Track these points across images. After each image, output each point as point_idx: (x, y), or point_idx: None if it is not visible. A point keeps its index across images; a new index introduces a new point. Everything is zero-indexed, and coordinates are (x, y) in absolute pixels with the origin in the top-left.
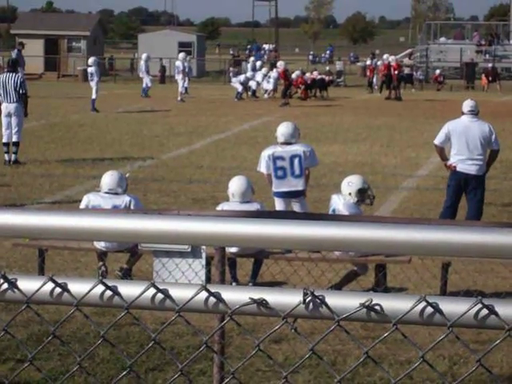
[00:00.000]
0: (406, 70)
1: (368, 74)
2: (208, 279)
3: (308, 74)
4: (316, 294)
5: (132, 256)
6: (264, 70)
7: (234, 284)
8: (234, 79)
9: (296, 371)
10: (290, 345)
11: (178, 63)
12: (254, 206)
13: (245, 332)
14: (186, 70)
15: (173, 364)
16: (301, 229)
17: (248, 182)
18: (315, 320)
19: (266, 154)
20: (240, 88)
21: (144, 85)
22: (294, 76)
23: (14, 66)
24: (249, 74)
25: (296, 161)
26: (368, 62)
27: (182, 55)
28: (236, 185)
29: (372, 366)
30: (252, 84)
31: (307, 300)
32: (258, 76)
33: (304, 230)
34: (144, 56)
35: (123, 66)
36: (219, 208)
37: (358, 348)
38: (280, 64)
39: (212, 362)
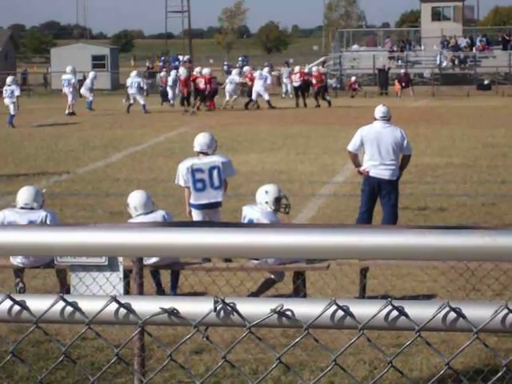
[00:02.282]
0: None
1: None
2: (126, 292)
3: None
4: (227, 301)
5: (58, 276)
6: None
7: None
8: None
9: (217, 382)
10: (211, 355)
11: (69, 76)
12: (159, 214)
13: (157, 343)
14: (89, 84)
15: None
16: (219, 236)
17: (147, 193)
18: (236, 329)
19: (183, 166)
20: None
21: (89, 99)
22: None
23: None
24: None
25: (215, 172)
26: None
27: (69, 68)
28: (136, 197)
29: (293, 373)
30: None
31: (218, 308)
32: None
33: (222, 237)
34: (92, 74)
35: (37, 80)
36: None
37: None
38: (182, 71)
39: (133, 376)
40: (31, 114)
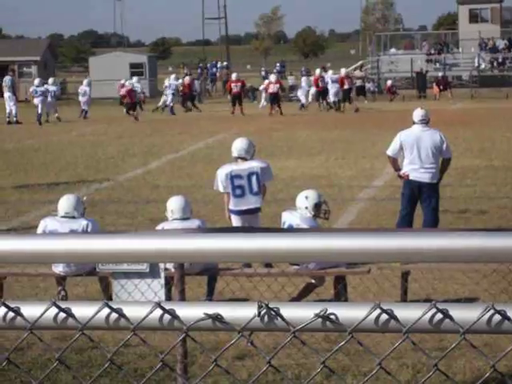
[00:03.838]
0: (358, 82)
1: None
2: (168, 298)
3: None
4: (271, 306)
5: (101, 285)
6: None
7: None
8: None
9: None
10: (253, 361)
11: (84, 88)
12: (194, 223)
13: (202, 348)
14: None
15: None
16: (260, 242)
17: (186, 199)
18: (277, 334)
19: (222, 172)
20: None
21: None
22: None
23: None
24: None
25: (254, 178)
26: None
27: (86, 81)
28: (175, 202)
29: (336, 378)
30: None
31: (262, 313)
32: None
33: (263, 243)
34: (135, 79)
35: (76, 89)
36: (159, 227)
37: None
38: (187, 78)
39: (176, 382)
40: (71, 123)
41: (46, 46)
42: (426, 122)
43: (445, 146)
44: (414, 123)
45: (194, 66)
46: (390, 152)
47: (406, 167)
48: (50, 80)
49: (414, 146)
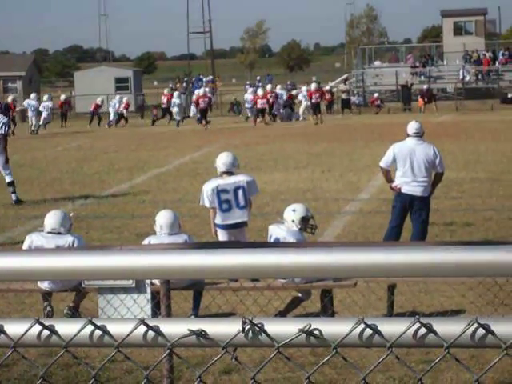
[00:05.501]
0: (343, 96)
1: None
2: (155, 313)
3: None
4: (255, 321)
5: (77, 295)
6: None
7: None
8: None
9: None
10: (240, 375)
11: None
12: (182, 238)
13: (185, 364)
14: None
15: None
16: (246, 258)
17: (175, 214)
18: (264, 349)
19: (208, 187)
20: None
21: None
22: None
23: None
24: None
25: (240, 192)
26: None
27: (32, 95)
28: (164, 217)
29: None
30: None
31: (246, 328)
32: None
33: (250, 258)
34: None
35: None
36: (146, 241)
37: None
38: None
39: None
40: (56, 138)
41: (31, 61)
42: (420, 135)
43: (438, 160)
44: (407, 136)
45: (179, 80)
46: (383, 164)
47: (398, 180)
48: (32, 95)
49: (407, 159)
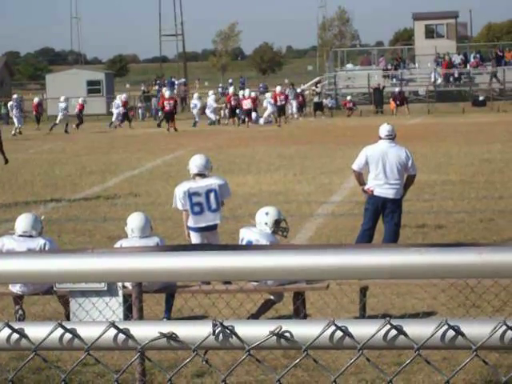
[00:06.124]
0: (316, 98)
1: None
2: (127, 316)
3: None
4: (226, 324)
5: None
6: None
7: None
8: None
9: None
10: (212, 378)
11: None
12: (153, 240)
13: (157, 367)
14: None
15: None
16: (219, 260)
17: (147, 217)
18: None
19: (180, 190)
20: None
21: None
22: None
23: None
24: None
25: (212, 195)
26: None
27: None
28: (135, 220)
29: None
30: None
31: (217, 331)
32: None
33: (222, 261)
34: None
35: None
36: (117, 245)
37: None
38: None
39: None
40: (27, 141)
41: (1, 64)
42: (392, 137)
43: (410, 162)
44: (380, 138)
45: (150, 83)
46: (355, 166)
47: (370, 182)
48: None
49: (379, 162)
